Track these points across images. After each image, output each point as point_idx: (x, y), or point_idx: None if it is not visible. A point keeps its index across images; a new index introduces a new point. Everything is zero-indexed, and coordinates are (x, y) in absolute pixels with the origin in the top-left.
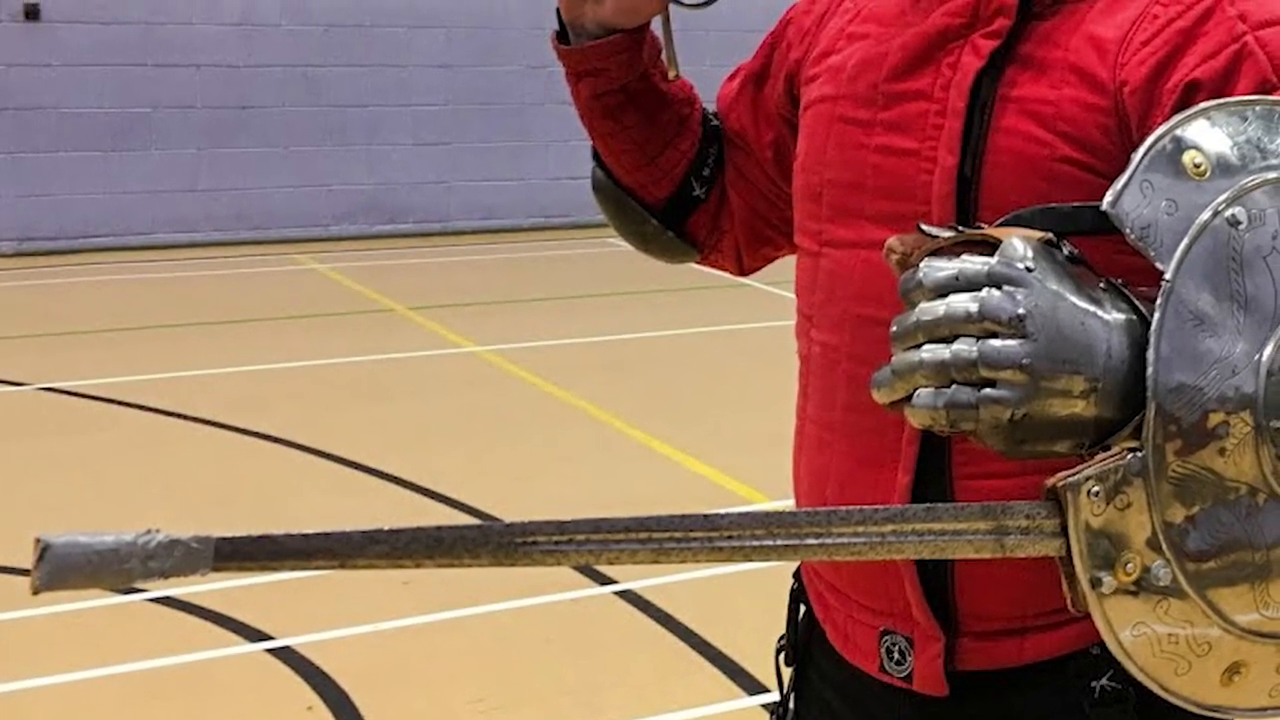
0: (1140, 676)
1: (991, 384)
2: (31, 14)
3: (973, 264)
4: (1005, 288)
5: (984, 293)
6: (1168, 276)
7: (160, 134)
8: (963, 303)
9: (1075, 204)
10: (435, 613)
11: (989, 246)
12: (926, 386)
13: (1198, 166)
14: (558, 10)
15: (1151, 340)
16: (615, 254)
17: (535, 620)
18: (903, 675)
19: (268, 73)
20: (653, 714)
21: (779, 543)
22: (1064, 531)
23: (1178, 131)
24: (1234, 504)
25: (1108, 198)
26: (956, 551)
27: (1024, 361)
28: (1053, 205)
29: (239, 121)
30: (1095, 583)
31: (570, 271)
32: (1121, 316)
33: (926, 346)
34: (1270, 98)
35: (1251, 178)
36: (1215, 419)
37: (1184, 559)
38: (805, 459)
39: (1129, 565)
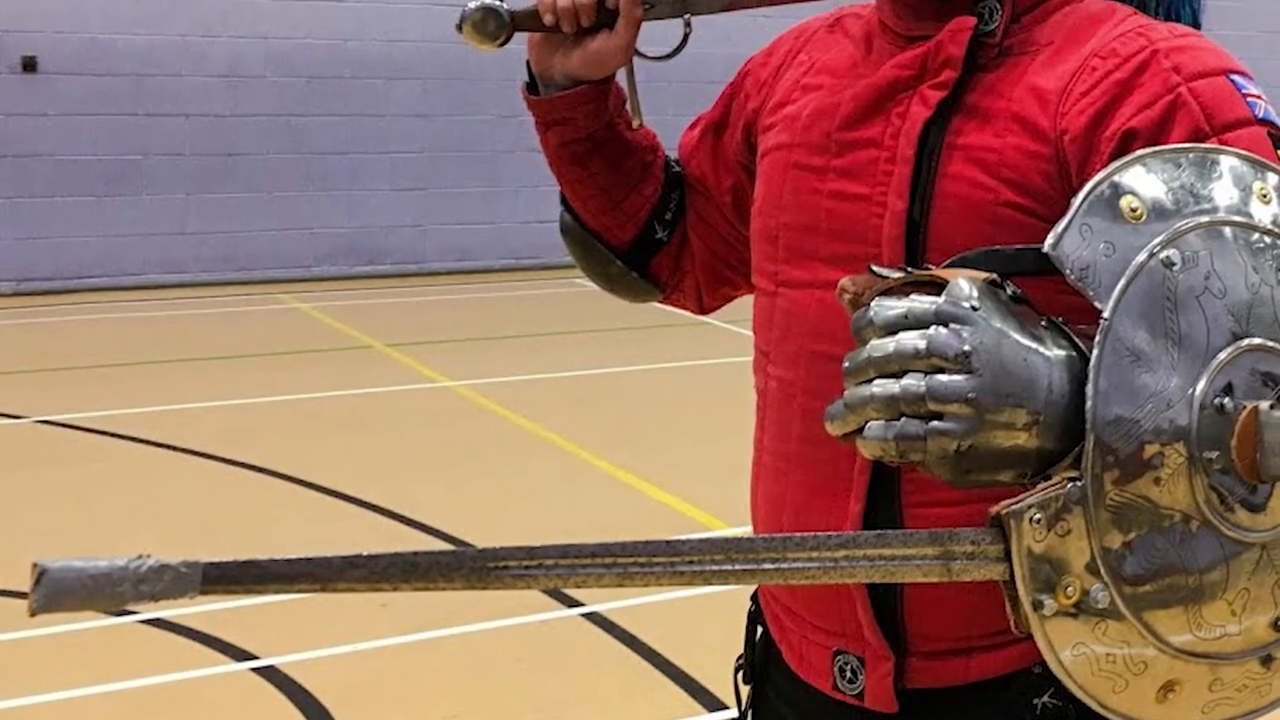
0: (1080, 694)
1: (939, 417)
2: (29, 66)
3: (921, 303)
4: (952, 326)
5: (932, 330)
6: (1106, 315)
7: (151, 180)
8: (912, 340)
9: (1018, 246)
10: (412, 633)
11: (936, 287)
12: (877, 419)
13: (1134, 211)
14: (528, 63)
15: (1090, 375)
16: (582, 294)
17: (507, 641)
18: (854, 693)
19: (253, 122)
20: None
21: (737, 567)
22: (1007, 557)
23: (1115, 178)
24: (1169, 531)
25: (1049, 240)
26: (905, 575)
27: (970, 395)
28: (997, 247)
29: (225, 168)
30: (1037, 605)
31: (539, 310)
32: (1062, 353)
33: (877, 381)
34: (1203, 145)
35: (1185, 221)
36: (1151, 450)
37: (1121, 583)
38: (762, 487)
39: (1069, 589)
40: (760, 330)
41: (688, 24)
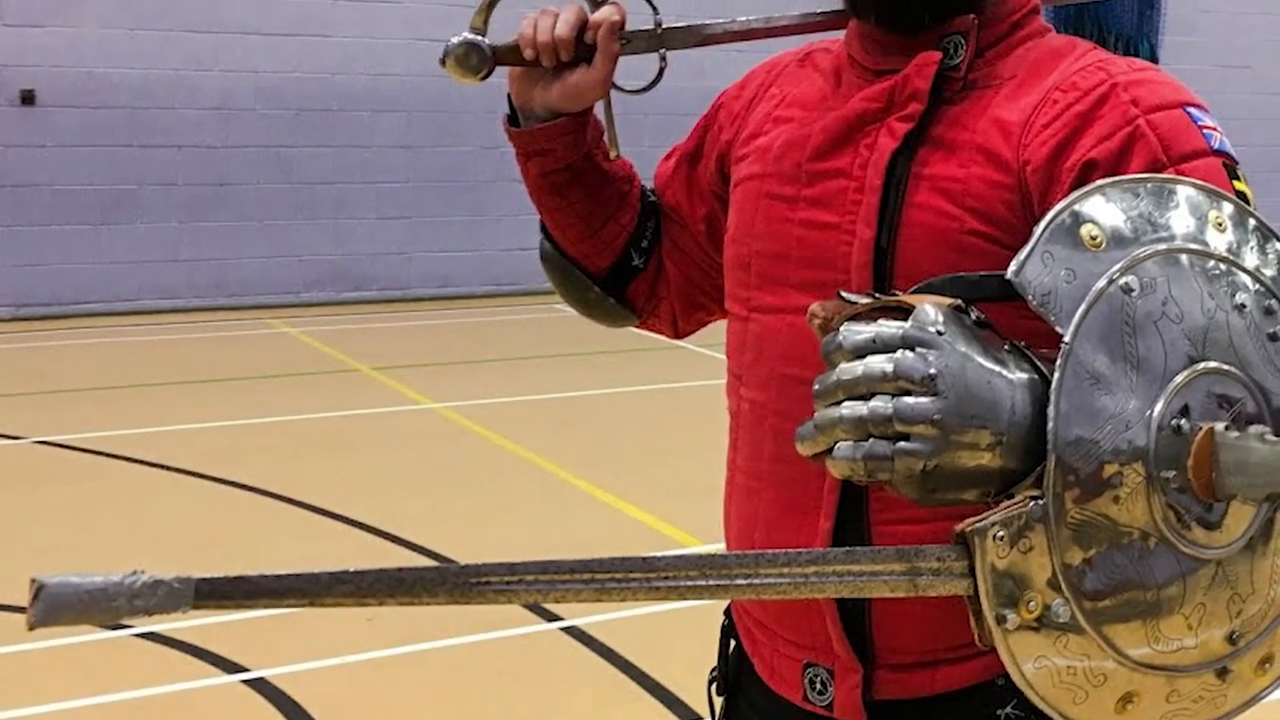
0: (1041, 705)
1: (905, 438)
2: (27, 99)
3: (888, 328)
4: (918, 350)
5: (899, 354)
6: (1067, 339)
7: (145, 209)
8: (879, 363)
9: (982, 273)
10: (397, 647)
11: (903, 312)
12: (846, 440)
13: (1094, 239)
14: (509, 96)
15: (1052, 398)
16: (561, 319)
17: (488, 654)
18: (824, 704)
19: (243, 153)
20: None
21: (711, 583)
22: (972, 572)
23: (1076, 207)
24: (1128, 547)
25: (1012, 267)
26: (873, 591)
27: (935, 417)
28: (961, 274)
29: (217, 198)
30: (1000, 619)
31: (520, 335)
32: (1025, 376)
33: (846, 403)
34: (1160, 175)
35: (1143, 249)
36: (1110, 470)
37: (1082, 598)
38: (735, 506)
39: (1031, 603)
40: (733, 354)
41: (663, 59)
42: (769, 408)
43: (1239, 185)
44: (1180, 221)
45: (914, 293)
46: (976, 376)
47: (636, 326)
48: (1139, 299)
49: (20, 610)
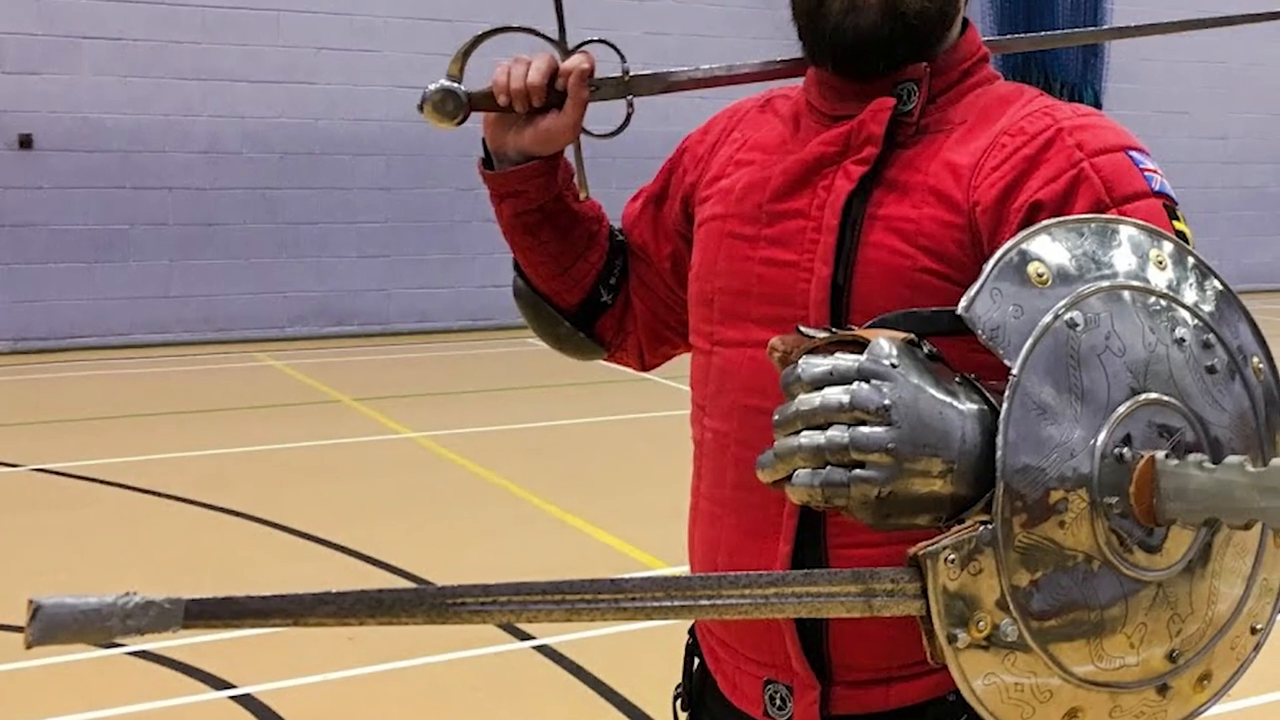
0: None
1: (861, 465)
2: (25, 143)
3: (845, 361)
4: (873, 382)
5: (854, 386)
6: (1015, 372)
7: (137, 248)
8: (836, 395)
9: (934, 308)
10: (377, 664)
11: (859, 346)
12: (804, 468)
13: (1040, 276)
14: (483, 140)
15: (1000, 427)
16: (533, 352)
17: (464, 671)
18: (784, 719)
19: (230, 195)
20: None
21: (676, 603)
22: (924, 594)
23: (1023, 245)
24: (1072, 570)
25: (962, 303)
26: (830, 611)
27: (889, 446)
28: (915, 310)
29: (205, 237)
30: (951, 638)
31: (494, 367)
32: (974, 406)
33: (805, 433)
34: (1104, 216)
35: (1088, 286)
36: (1056, 496)
37: (1029, 618)
38: (699, 530)
39: (981, 623)
40: (697, 386)
41: (630, 104)
42: (731, 437)
43: (1178, 225)
44: (1123, 260)
45: (869, 327)
46: (929, 407)
47: (605, 360)
48: (1083, 333)
49: (18, 630)
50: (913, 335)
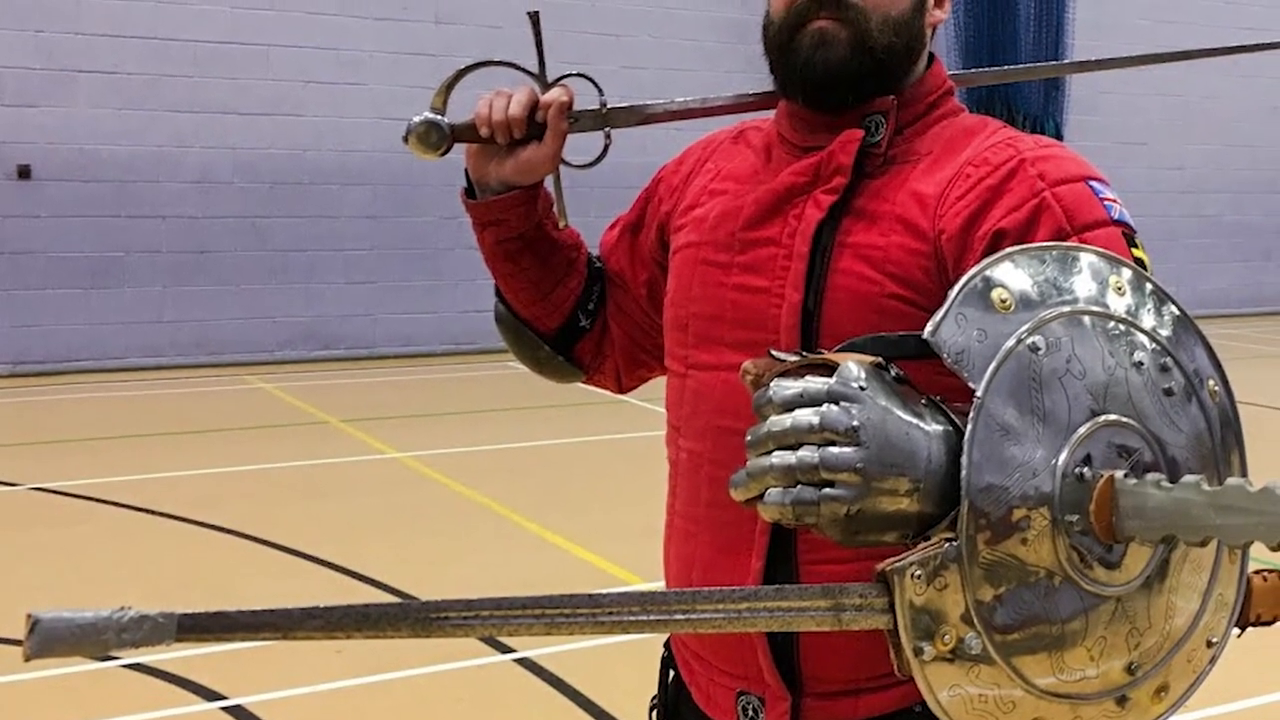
0: None
1: (830, 484)
2: (24, 174)
3: (815, 384)
4: (842, 404)
5: (824, 408)
6: (979, 394)
7: (132, 274)
8: (807, 416)
9: (901, 333)
10: (364, 676)
11: (829, 369)
12: (776, 487)
13: (1004, 302)
14: (466, 170)
15: (965, 448)
16: (514, 375)
17: (448, 683)
18: None
19: (222, 223)
20: None
21: (652, 618)
22: (892, 608)
23: (987, 272)
24: (1035, 585)
25: (928, 328)
26: (801, 625)
27: (858, 465)
28: (882, 334)
29: (198, 264)
30: (918, 651)
31: (477, 390)
32: (940, 428)
33: (776, 453)
34: (1065, 244)
35: (1049, 311)
36: (1019, 514)
37: (992, 631)
38: (674, 547)
39: (946, 637)
40: (672, 408)
41: (608, 136)
42: (705, 457)
43: (1137, 252)
44: (1083, 286)
45: (838, 351)
46: (896, 428)
47: (583, 382)
48: (1045, 357)
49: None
50: (880, 359)
